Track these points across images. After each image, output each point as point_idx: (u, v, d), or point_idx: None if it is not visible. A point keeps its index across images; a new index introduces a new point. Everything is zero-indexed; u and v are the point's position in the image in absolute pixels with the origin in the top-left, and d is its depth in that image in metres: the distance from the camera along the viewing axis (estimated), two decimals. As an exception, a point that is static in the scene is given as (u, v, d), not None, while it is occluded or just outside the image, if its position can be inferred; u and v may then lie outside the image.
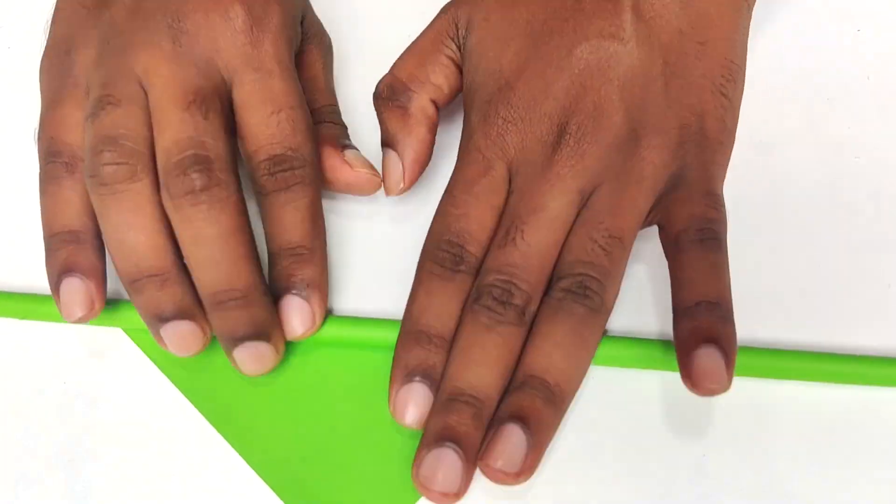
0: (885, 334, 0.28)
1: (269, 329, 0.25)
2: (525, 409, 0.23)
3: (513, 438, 0.23)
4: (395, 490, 0.25)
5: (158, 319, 0.24)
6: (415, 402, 0.24)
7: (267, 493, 0.26)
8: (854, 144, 0.31)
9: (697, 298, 0.24)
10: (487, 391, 0.23)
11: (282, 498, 0.25)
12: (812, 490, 0.26)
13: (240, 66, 0.25)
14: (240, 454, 0.26)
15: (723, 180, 0.27)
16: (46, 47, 0.27)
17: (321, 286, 0.26)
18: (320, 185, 0.27)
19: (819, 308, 0.28)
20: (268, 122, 0.25)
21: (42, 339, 0.28)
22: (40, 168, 0.26)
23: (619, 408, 0.27)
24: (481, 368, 0.23)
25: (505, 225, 0.25)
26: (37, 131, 0.26)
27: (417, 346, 0.24)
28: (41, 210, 0.26)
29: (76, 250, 0.25)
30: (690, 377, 0.23)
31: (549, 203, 0.24)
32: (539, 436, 0.23)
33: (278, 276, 0.26)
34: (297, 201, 0.25)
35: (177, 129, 0.24)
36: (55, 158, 0.25)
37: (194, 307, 0.25)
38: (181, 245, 0.24)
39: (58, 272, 0.25)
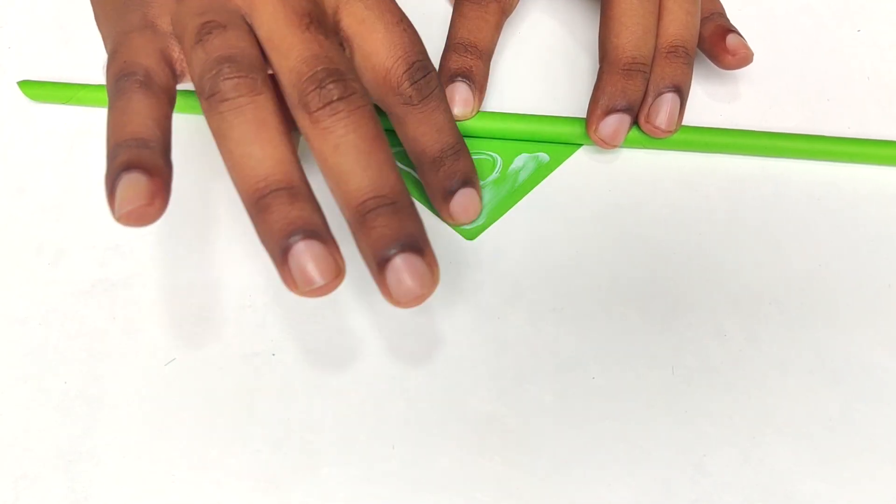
0: (886, 334, 0.28)
1: (422, 244, 0.22)
2: (678, 77, 0.30)
3: (672, 103, 0.30)
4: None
5: (288, 236, 0.21)
6: (459, 97, 0.30)
7: (267, 492, 0.26)
8: (854, 144, 0.31)
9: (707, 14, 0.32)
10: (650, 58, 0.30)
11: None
12: (812, 490, 0.26)
13: None
14: None
15: None
16: None
17: (476, 175, 0.29)
18: None
19: (819, 308, 0.28)
20: (395, 32, 0.25)
21: (43, 337, 0.28)
22: (109, 90, 0.24)
23: (620, 407, 0.27)
24: (649, 37, 0.29)
25: None
26: (105, 64, 0.25)
27: (456, 54, 0.30)
28: (107, 125, 0.23)
29: (143, 153, 0.22)
30: (727, 50, 0.31)
31: None
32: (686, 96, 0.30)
33: (445, 176, 0.28)
34: (442, 103, 0.27)
35: (301, 49, 0.23)
36: (129, 76, 0.23)
37: (328, 230, 0.22)
38: (321, 160, 0.23)
39: (117, 170, 0.22)
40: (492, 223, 0.30)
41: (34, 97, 0.32)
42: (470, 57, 0.31)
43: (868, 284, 0.29)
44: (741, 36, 0.31)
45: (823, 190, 0.31)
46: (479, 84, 0.31)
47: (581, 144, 0.32)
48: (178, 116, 0.32)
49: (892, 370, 0.27)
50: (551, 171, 0.31)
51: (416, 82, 0.26)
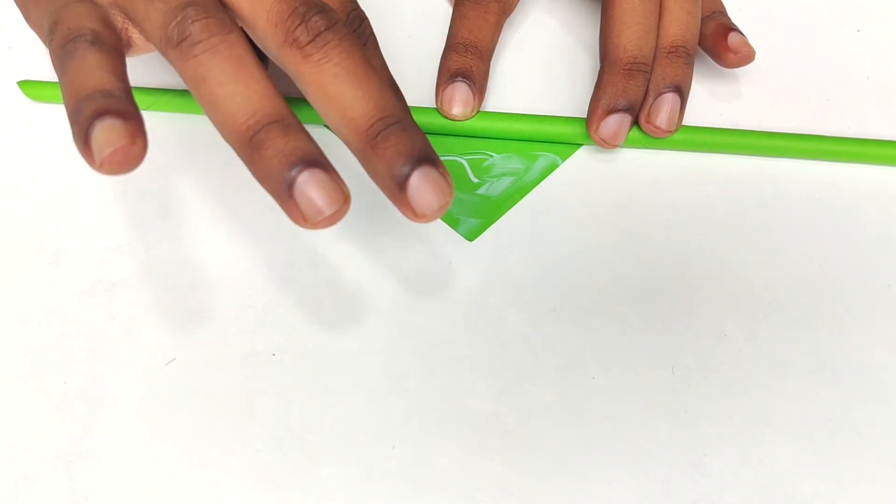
0: (886, 334, 0.28)
1: (433, 156, 0.22)
2: (678, 77, 0.30)
3: (672, 103, 0.30)
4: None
5: (290, 168, 0.21)
6: (459, 97, 0.30)
7: (267, 492, 0.26)
8: (854, 144, 0.31)
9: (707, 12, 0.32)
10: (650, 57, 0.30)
11: None
12: (812, 490, 0.26)
13: None
14: None
15: None
16: None
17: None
18: None
19: (819, 308, 0.28)
20: None
21: (43, 337, 0.28)
22: (57, 56, 0.22)
23: (620, 407, 0.27)
24: (650, 37, 0.30)
25: None
26: (48, 39, 0.23)
27: (456, 54, 0.31)
28: (63, 90, 0.22)
29: (110, 101, 0.21)
30: (729, 48, 0.31)
31: None
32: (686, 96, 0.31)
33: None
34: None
35: None
36: (77, 38, 0.22)
37: (326, 158, 0.22)
38: (320, 93, 0.22)
39: (88, 120, 0.20)
40: (492, 223, 0.30)
41: (34, 97, 0.32)
42: (470, 57, 0.31)
43: (868, 284, 0.29)
44: (742, 34, 0.31)
45: (823, 190, 0.31)
46: (479, 84, 0.31)
47: (581, 144, 0.32)
48: (173, 116, 0.32)
49: (892, 370, 0.27)
50: (552, 170, 0.31)
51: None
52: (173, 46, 0.22)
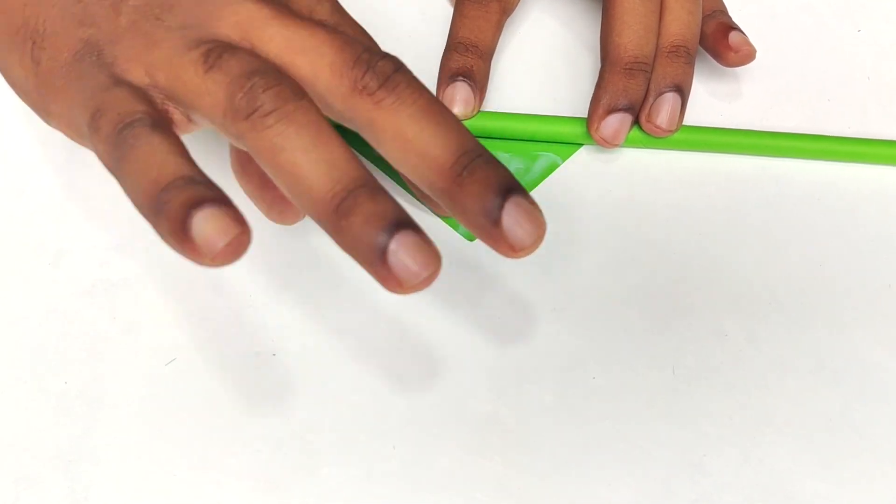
0: (886, 334, 0.28)
1: (520, 185, 0.21)
2: (679, 77, 0.30)
3: (673, 102, 0.30)
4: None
5: (381, 232, 0.20)
6: (460, 97, 0.31)
7: (267, 492, 0.26)
8: (854, 144, 0.31)
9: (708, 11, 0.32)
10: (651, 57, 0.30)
11: None
12: (812, 490, 0.26)
13: None
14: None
15: None
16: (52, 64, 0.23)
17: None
18: None
19: (819, 308, 0.28)
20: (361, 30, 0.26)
21: (43, 337, 0.28)
22: (112, 147, 0.21)
23: (620, 407, 0.27)
24: (651, 37, 0.30)
25: None
26: (89, 121, 0.22)
27: (457, 54, 0.31)
28: (130, 181, 0.20)
29: (198, 188, 0.20)
30: (730, 47, 0.31)
31: None
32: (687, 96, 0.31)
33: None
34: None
35: (332, 42, 0.22)
36: (132, 125, 0.21)
37: (412, 219, 0.20)
38: (398, 137, 0.21)
39: (183, 211, 0.19)
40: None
41: (34, 97, 0.32)
42: (471, 56, 0.31)
43: (868, 284, 0.29)
44: (743, 33, 0.31)
45: (824, 190, 0.31)
46: (479, 84, 0.31)
47: (582, 144, 0.32)
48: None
49: (892, 370, 0.27)
50: (552, 170, 0.31)
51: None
52: (243, 118, 0.20)
